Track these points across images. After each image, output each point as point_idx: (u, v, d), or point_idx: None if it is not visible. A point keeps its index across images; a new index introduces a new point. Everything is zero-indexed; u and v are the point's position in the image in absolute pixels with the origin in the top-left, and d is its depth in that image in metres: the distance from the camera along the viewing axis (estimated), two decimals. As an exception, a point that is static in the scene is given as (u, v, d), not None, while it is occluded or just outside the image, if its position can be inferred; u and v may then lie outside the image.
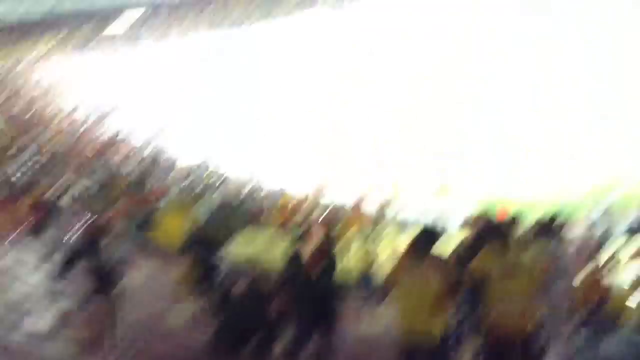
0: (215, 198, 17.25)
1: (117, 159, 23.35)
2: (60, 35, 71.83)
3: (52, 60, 63.28)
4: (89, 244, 8.20)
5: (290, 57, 45.94)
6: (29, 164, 17.93)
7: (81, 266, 8.12)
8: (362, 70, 40.99)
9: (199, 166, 27.29)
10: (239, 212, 15.27)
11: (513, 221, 7.02)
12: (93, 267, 7.94)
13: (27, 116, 29.60)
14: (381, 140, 29.74)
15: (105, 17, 79.55)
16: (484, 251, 6.58)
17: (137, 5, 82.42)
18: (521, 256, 6.38)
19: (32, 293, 9.29)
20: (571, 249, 9.11)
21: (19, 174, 16.87)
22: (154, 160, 25.45)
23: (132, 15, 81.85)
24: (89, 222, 10.21)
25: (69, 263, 8.46)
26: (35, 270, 10.04)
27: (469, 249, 7.46)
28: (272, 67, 44.14)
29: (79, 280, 8.08)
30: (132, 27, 78.37)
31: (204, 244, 9.90)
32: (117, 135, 31.61)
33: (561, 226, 8.18)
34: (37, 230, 11.18)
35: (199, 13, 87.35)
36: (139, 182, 17.91)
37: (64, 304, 8.48)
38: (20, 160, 18.37)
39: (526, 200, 18.40)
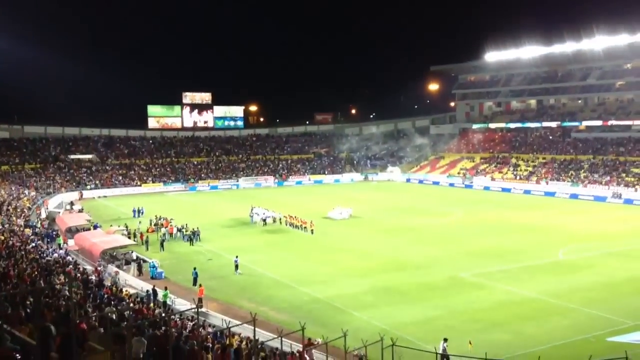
0: (155, 333, 16.36)
1: (58, 282, 22.27)
2: (22, 156, 72.82)
3: (11, 178, 63.36)
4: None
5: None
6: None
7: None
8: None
9: (147, 294, 26.36)
10: (177, 350, 14.40)
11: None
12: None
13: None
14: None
15: (71, 141, 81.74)
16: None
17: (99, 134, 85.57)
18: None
19: None
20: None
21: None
22: (98, 285, 24.40)
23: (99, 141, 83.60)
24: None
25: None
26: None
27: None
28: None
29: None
30: (97, 152, 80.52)
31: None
32: (63, 258, 30.52)
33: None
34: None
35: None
36: (77, 309, 16.94)
37: None
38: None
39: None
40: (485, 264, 33.01)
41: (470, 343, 19.83)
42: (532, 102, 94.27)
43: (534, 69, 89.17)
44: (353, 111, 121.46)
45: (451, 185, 79.40)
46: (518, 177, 75.48)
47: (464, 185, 78.13)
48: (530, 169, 76.97)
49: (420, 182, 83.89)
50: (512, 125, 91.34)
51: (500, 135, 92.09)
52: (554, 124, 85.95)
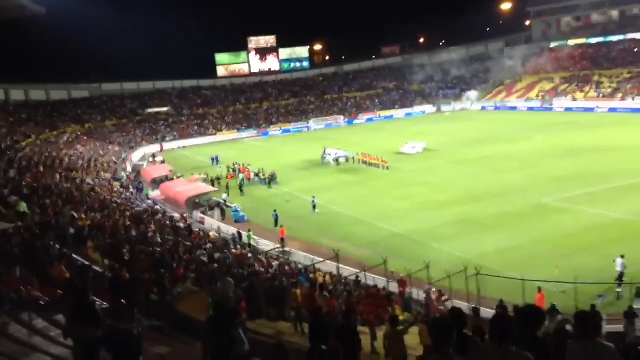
0: (244, 272, 17.15)
1: (150, 230, 23.60)
2: (103, 113, 76.19)
3: (95, 134, 66.68)
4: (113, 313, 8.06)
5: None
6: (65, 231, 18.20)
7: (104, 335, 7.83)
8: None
9: (232, 237, 27.55)
10: (268, 288, 15.07)
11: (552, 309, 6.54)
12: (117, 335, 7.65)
13: (66, 185, 30.45)
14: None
15: (147, 95, 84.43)
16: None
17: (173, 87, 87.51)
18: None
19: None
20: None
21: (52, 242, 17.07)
22: (187, 230, 25.68)
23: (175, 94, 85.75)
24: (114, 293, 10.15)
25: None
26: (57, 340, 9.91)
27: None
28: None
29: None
30: (172, 104, 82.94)
31: (227, 319, 9.63)
32: (152, 208, 32.19)
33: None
34: (63, 300, 11.07)
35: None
36: (170, 255, 17.99)
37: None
38: (57, 227, 18.70)
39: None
40: (569, 188, 31.89)
41: (557, 268, 19.45)
42: (614, 13, 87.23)
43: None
44: (421, 40, 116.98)
45: (530, 109, 76.08)
46: (601, 95, 71.13)
47: (544, 108, 74.66)
48: (614, 85, 72.22)
49: (497, 108, 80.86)
50: (593, 41, 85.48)
51: (581, 52, 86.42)
52: (638, 36, 79.58)
